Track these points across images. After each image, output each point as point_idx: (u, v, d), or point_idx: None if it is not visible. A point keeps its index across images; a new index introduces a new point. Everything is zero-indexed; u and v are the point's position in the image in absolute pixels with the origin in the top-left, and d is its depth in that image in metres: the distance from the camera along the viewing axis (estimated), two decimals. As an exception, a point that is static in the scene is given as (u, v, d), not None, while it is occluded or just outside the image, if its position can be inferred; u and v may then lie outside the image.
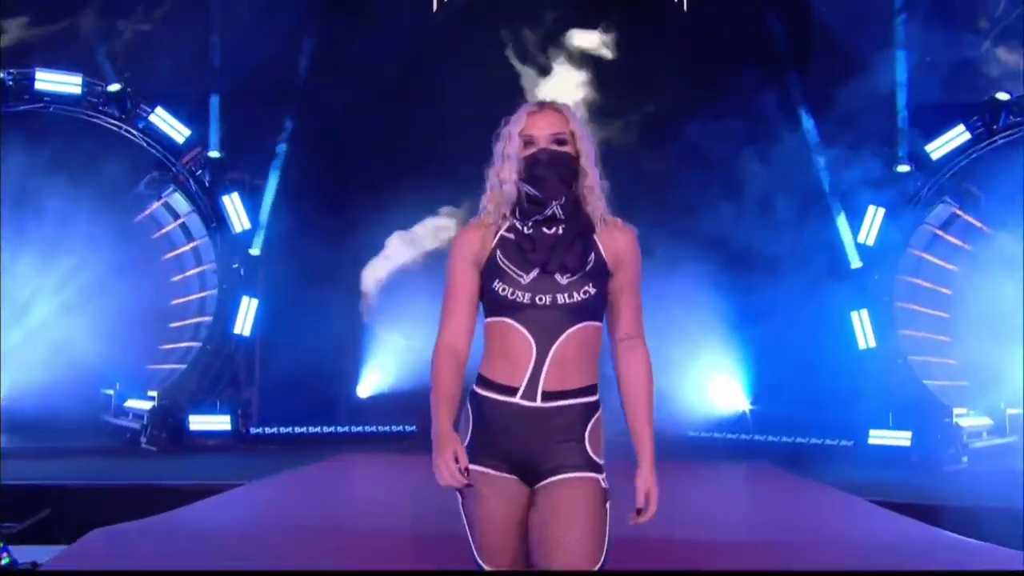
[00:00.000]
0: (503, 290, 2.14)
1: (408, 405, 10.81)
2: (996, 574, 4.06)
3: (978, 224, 10.39)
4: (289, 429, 11.11)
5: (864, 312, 10.54)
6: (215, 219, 11.15)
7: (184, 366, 11.00)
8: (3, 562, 4.56)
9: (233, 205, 11.09)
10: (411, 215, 12.18)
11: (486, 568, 2.13)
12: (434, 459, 2.04)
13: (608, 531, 2.10)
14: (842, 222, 10.86)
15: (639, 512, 2.14)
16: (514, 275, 2.14)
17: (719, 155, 10.27)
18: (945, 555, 4.51)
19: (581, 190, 2.22)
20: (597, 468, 2.14)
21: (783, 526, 5.55)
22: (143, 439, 10.05)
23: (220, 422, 10.61)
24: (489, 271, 2.17)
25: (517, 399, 2.12)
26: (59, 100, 10.58)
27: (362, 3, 11.39)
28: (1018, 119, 10.17)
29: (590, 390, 2.17)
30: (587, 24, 12.12)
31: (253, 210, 11.26)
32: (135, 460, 9.09)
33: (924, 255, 10.80)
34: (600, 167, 2.24)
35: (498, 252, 2.18)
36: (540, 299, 2.12)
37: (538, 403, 2.12)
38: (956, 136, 10.35)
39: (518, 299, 2.13)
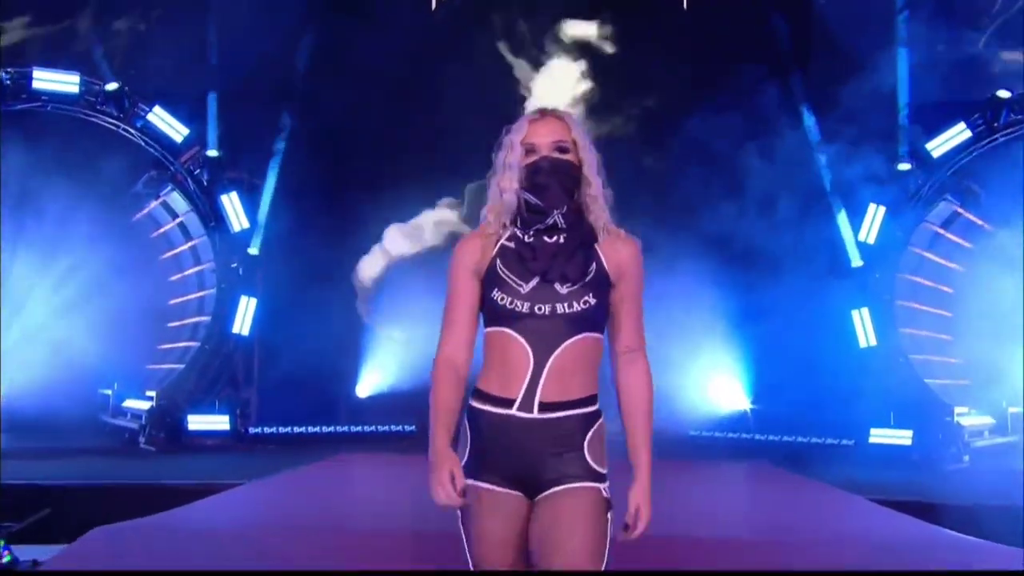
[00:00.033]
0: (502, 299, 2.11)
1: (408, 405, 10.79)
2: (996, 574, 4.04)
3: (979, 222, 10.36)
4: (288, 429, 11.10)
5: (865, 311, 10.53)
6: (213, 218, 11.13)
7: (183, 366, 10.99)
8: (4, 560, 4.56)
9: (231, 204, 11.07)
10: (411, 214, 12.18)
11: None
12: (431, 477, 2.03)
13: (609, 540, 2.08)
14: (843, 220, 10.85)
15: (627, 527, 2.11)
16: (514, 284, 2.12)
17: (719, 153, 10.26)
18: (945, 553, 4.49)
19: (583, 199, 2.19)
20: (599, 478, 2.11)
21: (783, 525, 5.53)
22: (142, 439, 10.03)
23: (219, 422, 10.60)
24: (489, 280, 2.15)
25: (514, 411, 2.09)
26: (57, 99, 10.56)
27: (361, 1, 11.37)
28: (1019, 117, 10.15)
29: (590, 400, 2.14)
30: (585, 18, 12.13)
31: (252, 209, 11.24)
32: (134, 460, 9.08)
33: (925, 253, 10.78)
34: (603, 176, 2.21)
35: (498, 261, 2.15)
36: (539, 308, 2.10)
37: (535, 414, 2.09)
38: (957, 134, 10.33)
39: (517, 308, 2.10)
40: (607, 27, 12.15)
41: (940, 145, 10.38)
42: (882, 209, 10.46)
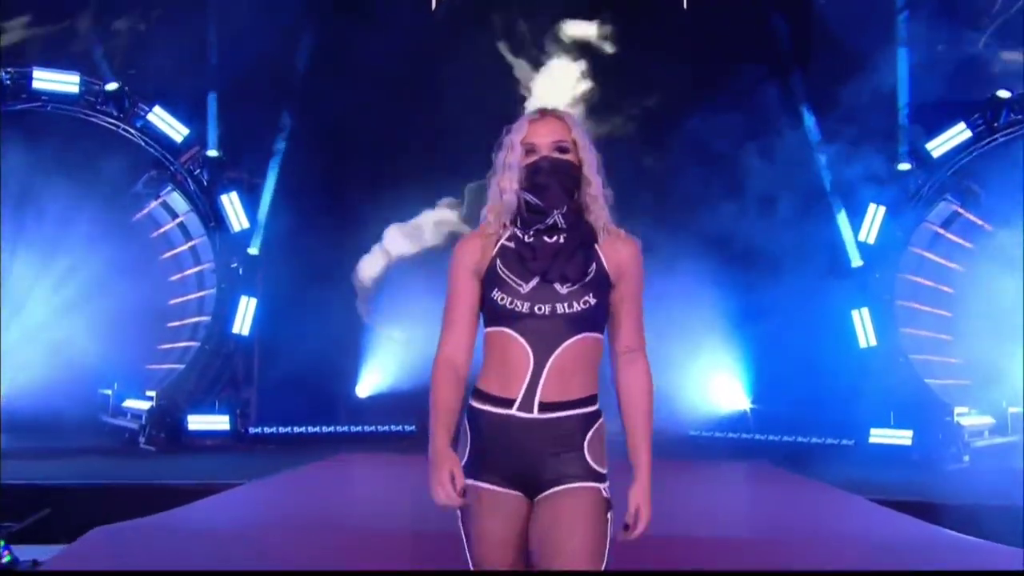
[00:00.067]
0: (502, 299, 2.11)
1: (408, 405, 10.78)
2: (996, 574, 4.03)
3: (979, 222, 10.36)
4: (288, 429, 11.09)
5: (865, 311, 10.52)
6: (213, 218, 11.12)
7: (183, 366, 10.98)
8: (4, 560, 4.57)
9: (231, 204, 11.06)
10: (411, 214, 12.17)
11: None
12: (430, 477, 2.03)
13: (609, 540, 2.08)
14: (843, 220, 10.84)
15: (627, 528, 2.11)
16: (513, 284, 2.12)
17: (719, 153, 10.26)
18: (945, 553, 4.48)
19: (584, 199, 2.19)
20: (598, 478, 2.11)
21: (784, 525, 5.52)
22: (142, 439, 10.02)
23: (219, 422, 10.59)
24: (489, 280, 2.15)
25: (514, 411, 2.09)
26: (57, 99, 10.56)
27: (361, 1, 11.36)
28: (1019, 117, 10.15)
29: (590, 400, 2.13)
30: (585, 18, 12.13)
31: (251, 209, 11.23)
32: (134, 460, 9.06)
33: (925, 253, 10.77)
34: (603, 176, 2.21)
35: (498, 261, 2.15)
36: (539, 308, 2.09)
37: (535, 414, 2.09)
38: (957, 134, 10.33)
39: (516, 308, 2.10)
40: (607, 27, 12.15)
41: (940, 145, 10.37)
42: (882, 209, 10.46)
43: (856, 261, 10.74)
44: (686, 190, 10.32)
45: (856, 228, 10.68)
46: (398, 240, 12.15)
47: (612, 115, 11.49)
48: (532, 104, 11.58)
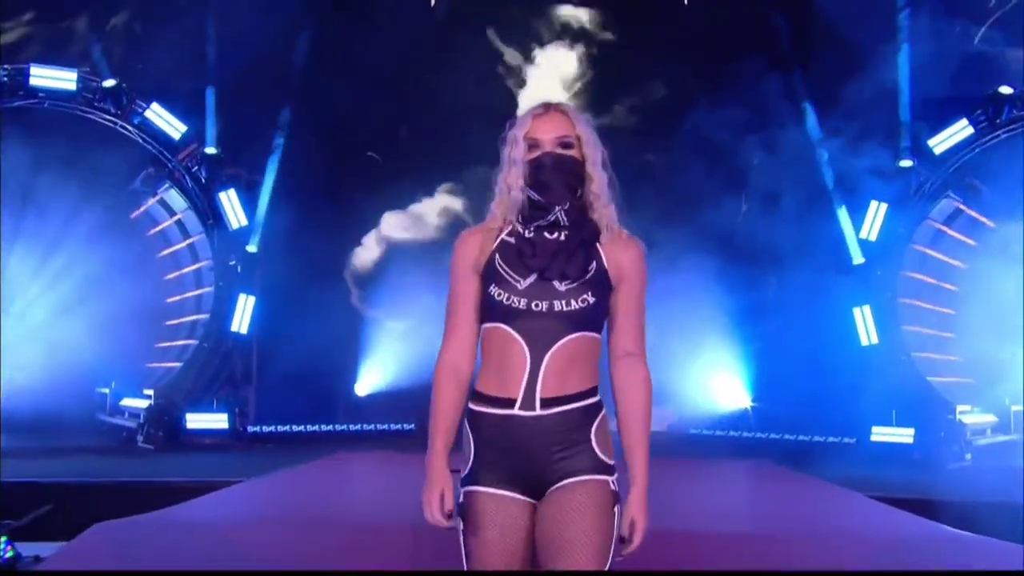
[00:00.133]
0: (499, 295, 2.08)
1: (407, 403, 10.76)
2: (996, 574, 4.00)
3: (982, 219, 10.33)
4: (287, 428, 11.06)
5: (867, 308, 10.49)
6: (211, 216, 11.09)
7: (181, 364, 10.95)
8: (7, 556, 4.57)
9: (230, 201, 11.03)
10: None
11: None
12: (424, 491, 2.06)
13: (616, 535, 2.03)
14: (845, 217, 10.80)
15: (622, 540, 2.05)
16: (511, 280, 2.08)
17: (720, 152, 10.23)
18: (945, 549, 4.46)
19: (587, 196, 2.15)
20: (607, 470, 2.06)
21: (786, 522, 5.49)
22: (139, 437, 9.99)
23: (217, 420, 10.56)
24: (487, 276, 2.12)
25: (516, 411, 2.05)
26: (54, 96, 10.54)
27: (359, -4, 11.34)
28: (1021, 113, 10.14)
29: (591, 392, 2.09)
30: (585, 12, 12.13)
31: (250, 206, 11.19)
32: (132, 459, 9.03)
33: (927, 250, 10.74)
34: (609, 172, 2.16)
35: (497, 256, 2.12)
36: (536, 305, 2.06)
37: (538, 411, 2.05)
38: (959, 130, 10.31)
39: (513, 304, 2.06)
40: (606, 21, 12.12)
41: (942, 141, 10.35)
42: (884, 206, 10.43)
43: (858, 258, 10.71)
44: (687, 187, 10.29)
45: (858, 225, 10.66)
46: (394, 228, 12.09)
47: (611, 109, 11.45)
48: (526, 95, 11.57)
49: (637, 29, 11.75)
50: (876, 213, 10.46)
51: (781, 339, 10.15)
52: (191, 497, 5.63)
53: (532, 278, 2.07)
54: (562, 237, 2.10)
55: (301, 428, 11.14)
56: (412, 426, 11.19)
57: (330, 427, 11.33)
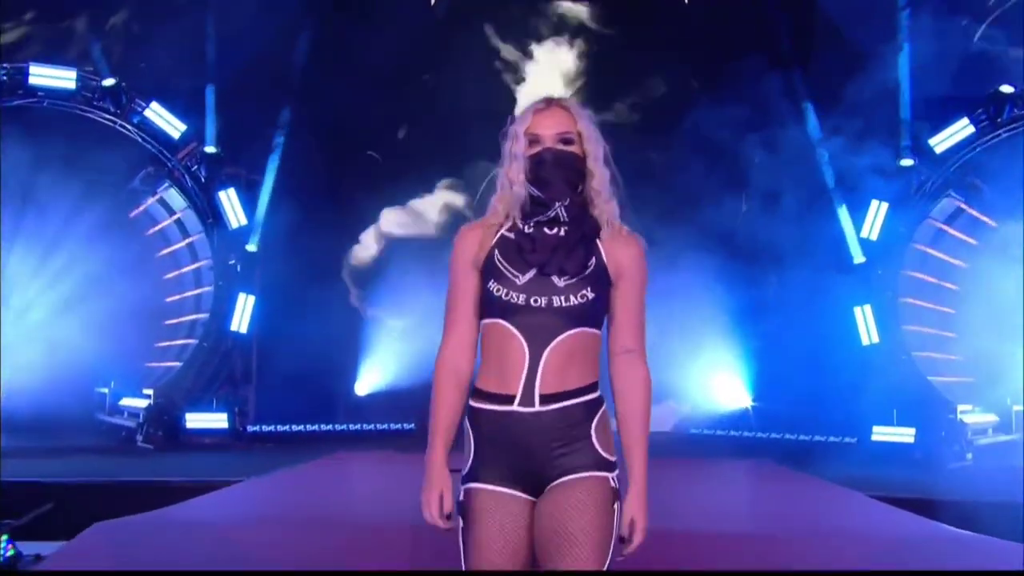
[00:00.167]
0: (497, 290, 2.06)
1: (407, 403, 10.75)
2: (997, 573, 3.99)
3: (983, 218, 10.31)
4: (287, 427, 11.06)
5: (867, 307, 10.48)
6: (211, 215, 11.08)
7: (180, 364, 10.94)
8: (8, 554, 4.59)
9: (229, 201, 11.02)
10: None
11: None
12: (423, 491, 2.07)
13: (616, 532, 2.02)
14: (845, 216, 10.79)
15: (622, 540, 2.04)
16: (510, 275, 2.07)
17: (721, 151, 10.23)
18: (945, 548, 4.45)
19: (588, 192, 2.13)
20: (607, 466, 2.04)
21: (787, 522, 5.49)
22: (139, 437, 9.99)
23: (217, 420, 10.55)
24: (486, 271, 2.10)
25: (515, 407, 2.04)
26: (53, 95, 10.53)
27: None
28: (1022, 112, 10.12)
29: (591, 388, 2.08)
30: (585, 9, 12.13)
31: (250, 206, 11.18)
32: (132, 458, 9.03)
33: (928, 249, 10.72)
34: (612, 168, 2.15)
35: (496, 252, 2.10)
36: (535, 301, 2.04)
37: (537, 407, 2.03)
38: (960, 129, 10.30)
39: (512, 300, 2.05)
40: (607, 18, 12.12)
41: (943, 140, 10.34)
42: (885, 205, 10.42)
43: (859, 257, 10.70)
44: (688, 187, 10.28)
45: (859, 224, 10.65)
46: (394, 223, 12.07)
47: (611, 106, 11.45)
48: (524, 91, 11.56)
49: (637, 27, 11.75)
50: (877, 212, 10.44)
51: (782, 338, 10.14)
52: (191, 497, 5.63)
53: (531, 274, 2.06)
54: (562, 233, 2.09)
55: (301, 428, 11.13)
56: (412, 426, 11.19)
57: (330, 427, 11.33)
